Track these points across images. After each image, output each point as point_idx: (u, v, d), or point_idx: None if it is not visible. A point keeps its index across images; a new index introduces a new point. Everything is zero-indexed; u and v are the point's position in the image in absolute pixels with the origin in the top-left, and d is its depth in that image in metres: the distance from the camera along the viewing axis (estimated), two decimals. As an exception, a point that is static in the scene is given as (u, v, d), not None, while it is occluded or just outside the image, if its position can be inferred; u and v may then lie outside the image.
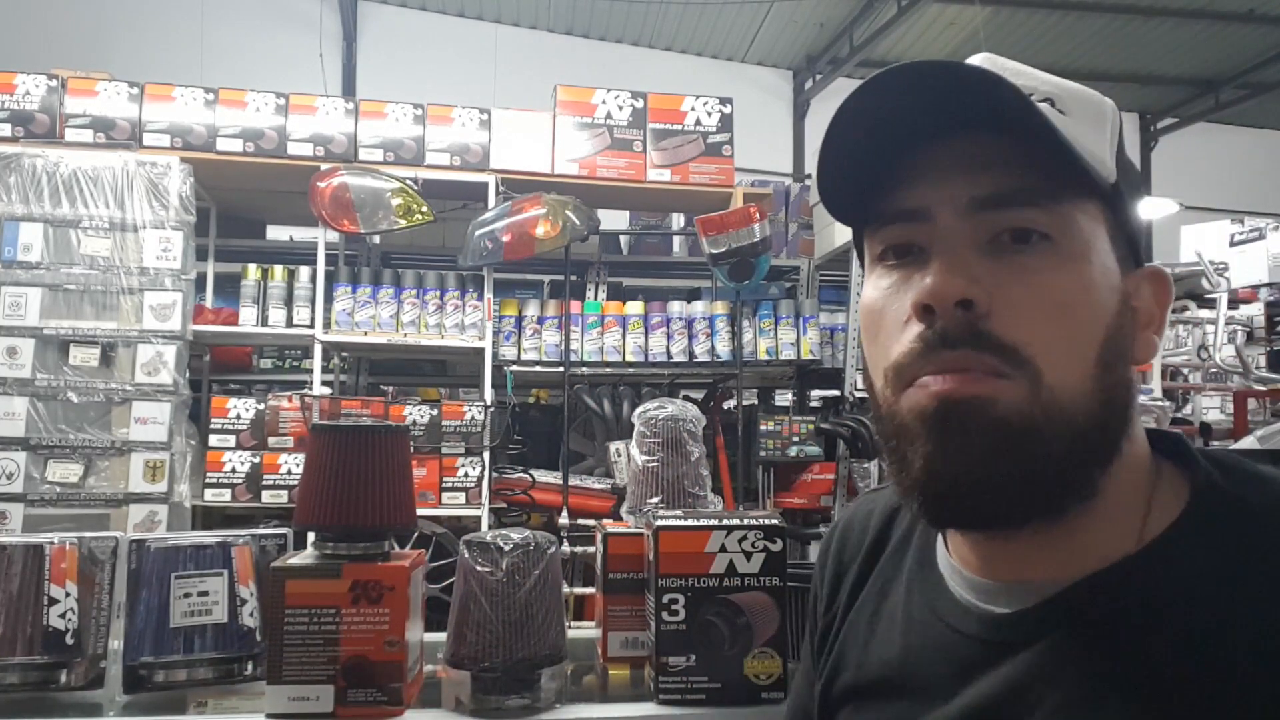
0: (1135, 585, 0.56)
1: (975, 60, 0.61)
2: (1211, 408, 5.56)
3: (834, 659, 0.74)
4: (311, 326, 3.49)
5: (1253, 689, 0.51)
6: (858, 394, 3.91)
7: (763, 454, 3.72)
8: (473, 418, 3.43)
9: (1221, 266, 4.63)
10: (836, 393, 4.07)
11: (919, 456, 0.58)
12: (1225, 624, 0.53)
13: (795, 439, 3.74)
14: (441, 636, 1.16)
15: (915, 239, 0.60)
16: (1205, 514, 0.58)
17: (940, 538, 0.69)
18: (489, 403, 3.46)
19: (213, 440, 3.34)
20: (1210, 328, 4.49)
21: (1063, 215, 0.57)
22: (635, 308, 3.73)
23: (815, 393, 4.52)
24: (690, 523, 1.15)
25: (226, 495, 3.30)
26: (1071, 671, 0.55)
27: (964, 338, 0.56)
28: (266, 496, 3.30)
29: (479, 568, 1.09)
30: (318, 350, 3.45)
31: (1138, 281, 0.62)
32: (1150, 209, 6.72)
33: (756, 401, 4.34)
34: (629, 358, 3.67)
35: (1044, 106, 0.57)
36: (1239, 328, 4.96)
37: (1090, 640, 0.56)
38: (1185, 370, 5.33)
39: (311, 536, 1.17)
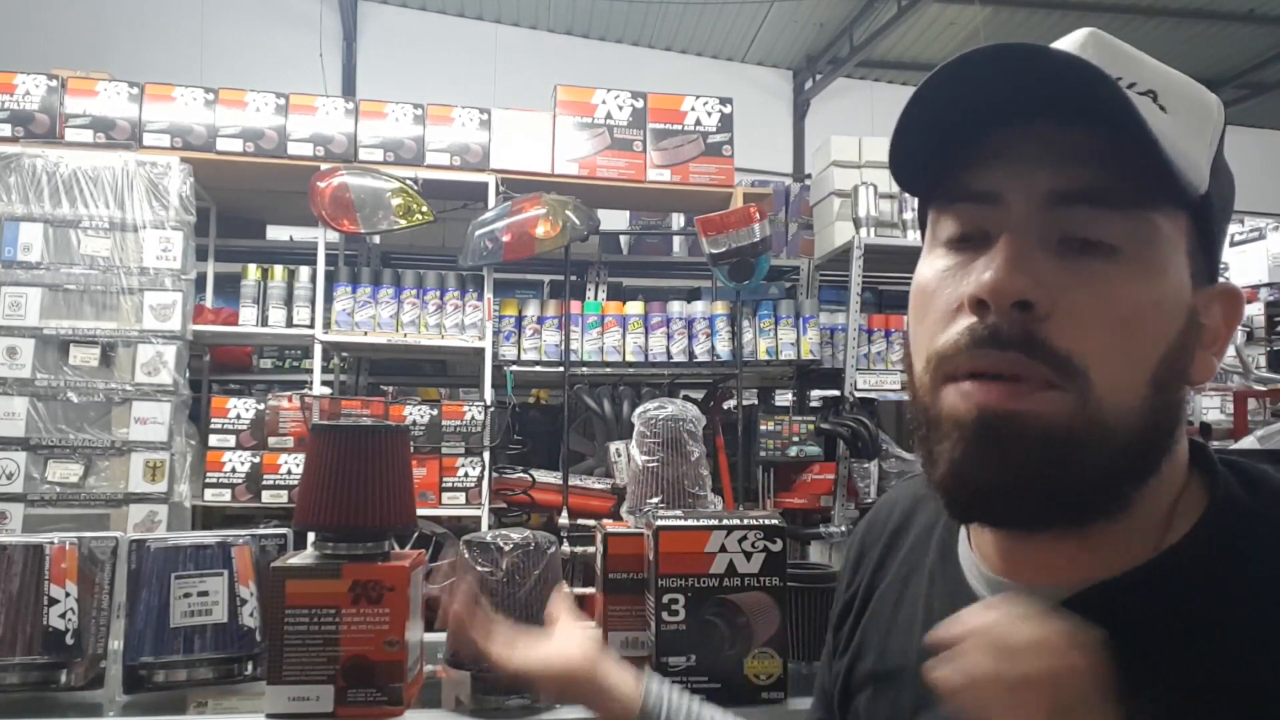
0: (1146, 593, 0.56)
1: (1081, 37, 0.58)
2: (1211, 408, 5.56)
3: (857, 643, 0.74)
4: (311, 326, 3.49)
5: (1256, 700, 0.51)
6: (858, 394, 3.91)
7: (763, 454, 3.72)
8: (473, 418, 3.43)
9: (1221, 266, 4.63)
10: (836, 393, 4.07)
11: (947, 459, 0.57)
12: (1234, 634, 0.53)
13: (795, 439, 3.74)
14: (441, 636, 1.16)
15: (983, 224, 0.57)
16: (1219, 525, 0.57)
17: (963, 529, 0.69)
18: (489, 403, 3.46)
19: (213, 440, 3.34)
20: (1210, 328, 4.49)
21: (1142, 222, 0.54)
22: (635, 308, 3.73)
23: (815, 393, 4.52)
24: (690, 523, 1.15)
25: (226, 495, 3.30)
26: None
27: (1016, 339, 0.54)
28: (266, 496, 3.30)
29: (479, 568, 1.09)
30: (318, 350, 3.45)
31: (1209, 298, 0.59)
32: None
33: (756, 401, 4.34)
34: (629, 358, 3.67)
35: (1143, 101, 0.54)
36: (1239, 328, 4.96)
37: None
38: (1185, 370, 5.32)
39: (311, 536, 1.17)
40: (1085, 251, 0.54)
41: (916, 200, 0.66)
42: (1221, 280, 0.60)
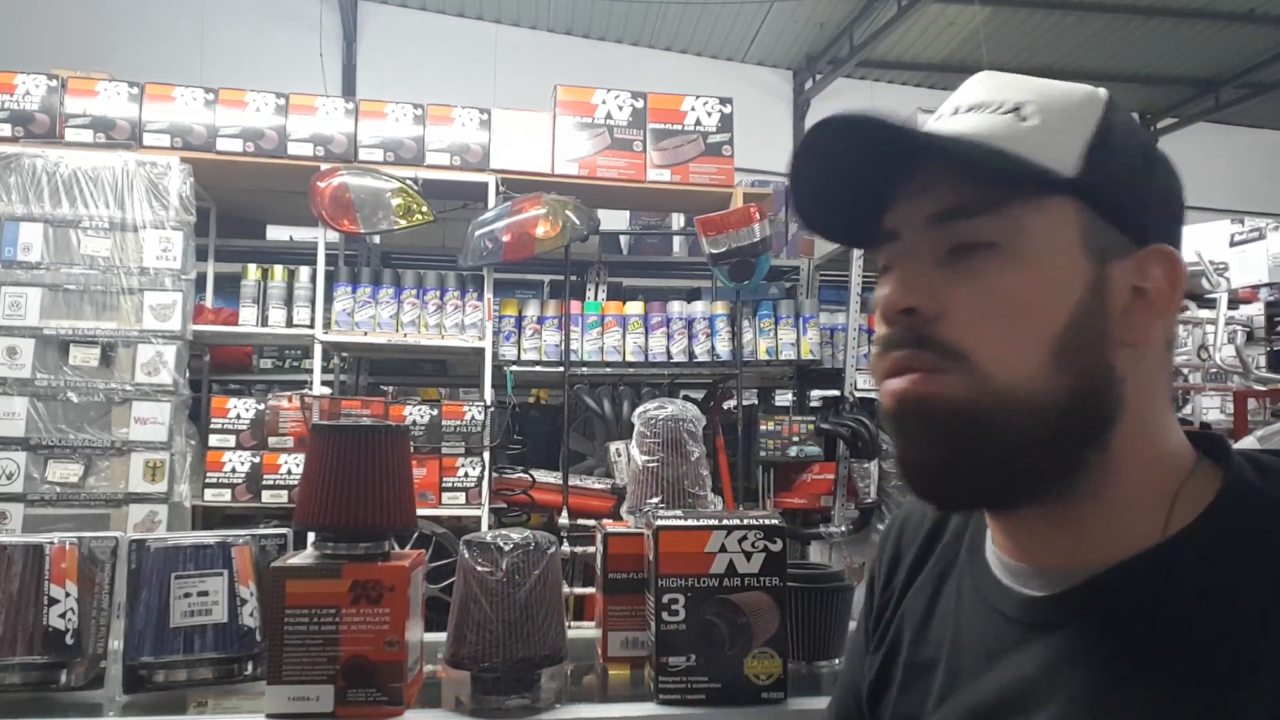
0: (1158, 574, 0.59)
1: (974, 82, 0.68)
2: (1211, 408, 5.55)
3: (892, 637, 0.78)
4: (311, 326, 3.49)
5: (1265, 681, 0.52)
6: (857, 394, 3.91)
7: (763, 454, 3.72)
8: (473, 418, 3.43)
9: (1221, 266, 4.63)
10: (836, 393, 4.07)
11: (896, 449, 0.66)
12: (1245, 615, 0.55)
13: (795, 439, 3.74)
14: (441, 636, 1.16)
15: (892, 255, 0.67)
16: (1232, 507, 0.60)
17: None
18: (489, 403, 3.46)
19: (213, 440, 3.34)
20: (1210, 328, 4.49)
21: (1010, 219, 0.61)
22: (635, 308, 3.73)
23: (815, 393, 4.52)
24: (690, 523, 1.15)
25: (226, 495, 3.30)
26: (1096, 656, 0.59)
27: (908, 340, 0.63)
28: (266, 496, 3.30)
29: (479, 568, 1.09)
30: (318, 350, 3.45)
31: (1138, 263, 0.63)
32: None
33: (756, 401, 4.35)
34: (629, 358, 3.67)
35: (998, 120, 0.63)
36: (1239, 328, 4.95)
37: (1114, 626, 0.59)
38: (1185, 370, 5.32)
39: (311, 536, 1.17)
40: (965, 257, 0.62)
41: None
42: (1154, 245, 0.64)
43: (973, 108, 0.66)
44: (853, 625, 0.95)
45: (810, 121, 9.43)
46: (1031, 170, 0.60)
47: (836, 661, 1.31)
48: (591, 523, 3.23)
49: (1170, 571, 0.58)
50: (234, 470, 3.31)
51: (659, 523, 1.14)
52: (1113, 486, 0.61)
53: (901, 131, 0.61)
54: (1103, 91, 0.66)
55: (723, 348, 3.72)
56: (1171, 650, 0.56)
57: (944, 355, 0.61)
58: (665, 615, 1.12)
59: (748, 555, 1.13)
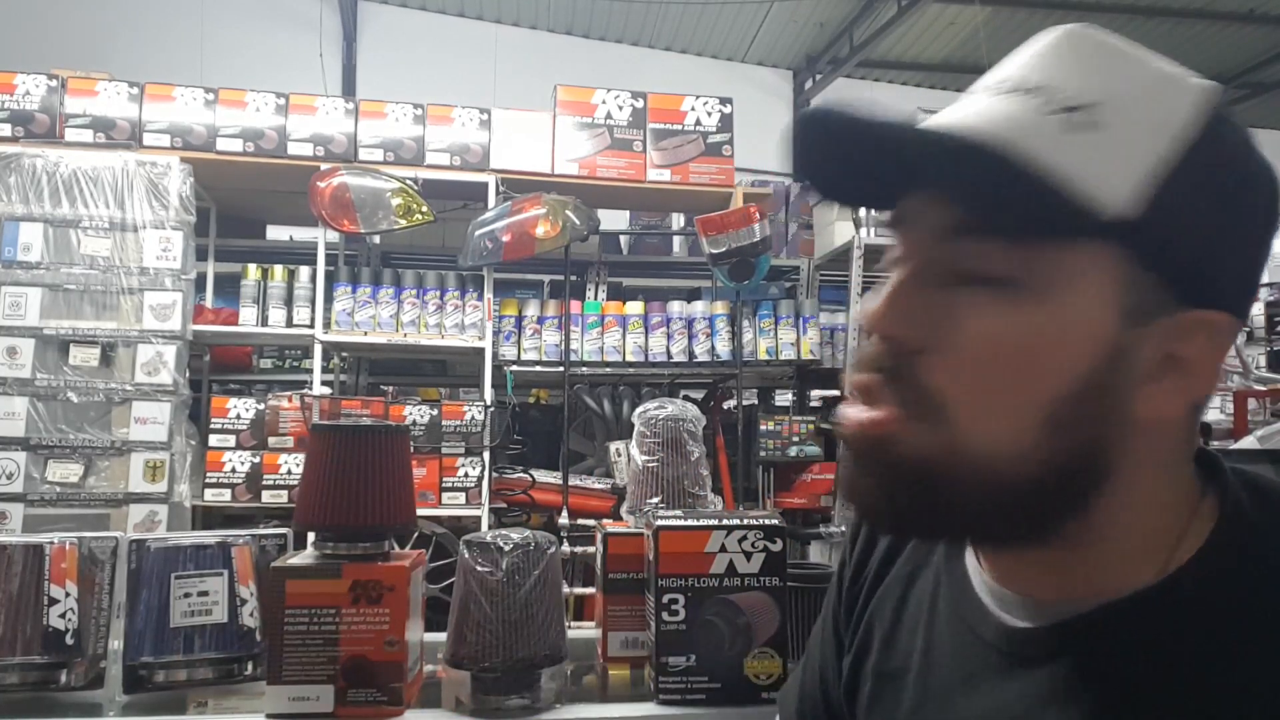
0: (1149, 616, 0.53)
1: (1055, 38, 0.54)
2: (1212, 408, 5.56)
3: (862, 636, 0.73)
4: (311, 326, 3.49)
5: None
6: (858, 394, 3.90)
7: (763, 454, 3.72)
8: (473, 418, 3.43)
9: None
10: (836, 393, 4.07)
11: (843, 472, 0.59)
12: (1237, 659, 0.50)
13: (795, 439, 3.74)
14: (441, 636, 1.16)
15: (893, 250, 0.58)
16: (1228, 545, 0.54)
17: None
18: (489, 403, 3.46)
19: (213, 440, 3.34)
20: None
21: (1030, 256, 0.51)
22: (635, 308, 3.73)
23: (815, 393, 4.52)
24: (690, 523, 1.15)
25: (226, 495, 3.30)
26: (1084, 696, 0.54)
27: (881, 366, 0.55)
28: (266, 496, 3.30)
29: (479, 568, 1.09)
30: (318, 350, 3.45)
31: (1184, 326, 0.52)
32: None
33: (756, 401, 4.34)
34: (629, 358, 3.67)
35: (1056, 120, 0.50)
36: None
37: (1102, 666, 0.54)
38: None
39: (311, 536, 1.17)
40: (971, 285, 0.52)
41: None
42: (1205, 310, 0.52)
43: (1018, 88, 0.52)
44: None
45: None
46: (1062, 204, 0.47)
47: (836, 661, 1.31)
48: (591, 523, 3.22)
49: (1161, 614, 0.53)
50: (234, 470, 3.31)
51: (659, 523, 1.14)
52: (1100, 534, 0.54)
53: (887, 142, 0.52)
54: (1213, 88, 0.52)
55: (723, 348, 3.72)
56: (1161, 695, 0.51)
57: (918, 398, 0.53)
58: (665, 615, 1.12)
59: (748, 555, 1.13)
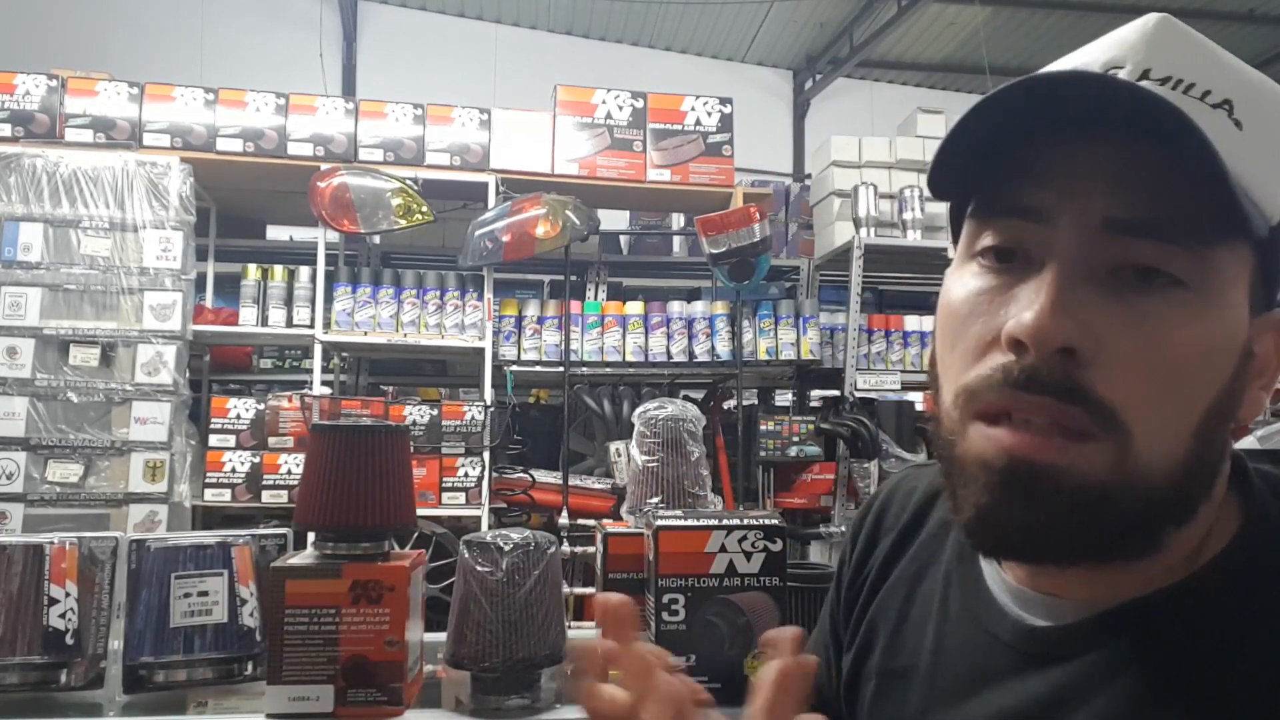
0: (1173, 615, 0.54)
1: (1151, 26, 0.51)
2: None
3: (864, 635, 0.72)
4: (311, 326, 3.49)
5: None
6: (858, 394, 3.91)
7: (763, 454, 3.72)
8: (473, 418, 3.43)
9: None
10: (836, 393, 4.07)
11: (972, 504, 0.53)
12: (1261, 660, 0.51)
13: (795, 439, 3.74)
14: (441, 636, 1.16)
15: (1027, 243, 0.52)
16: (1254, 546, 0.54)
17: None
18: (489, 403, 3.46)
19: (213, 440, 3.34)
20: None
21: (1204, 259, 0.49)
22: (635, 308, 3.73)
23: (815, 393, 4.52)
24: (690, 523, 1.15)
25: (226, 495, 3.30)
26: (1105, 693, 0.53)
27: (1054, 385, 0.49)
28: (266, 496, 3.30)
29: (479, 568, 1.09)
30: (318, 350, 3.45)
31: (1261, 328, 0.53)
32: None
33: (756, 401, 4.34)
34: (629, 358, 3.67)
35: (1216, 117, 0.49)
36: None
37: (1124, 665, 0.53)
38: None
39: (311, 536, 1.17)
40: (1138, 288, 0.50)
41: (949, 206, 0.61)
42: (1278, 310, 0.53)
43: (1167, 80, 0.49)
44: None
45: (810, 121, 9.45)
46: (1250, 210, 0.47)
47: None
48: (591, 523, 3.22)
49: (1190, 609, 0.53)
50: (234, 470, 3.31)
51: (659, 523, 1.14)
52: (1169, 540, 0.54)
53: (1167, 110, 0.46)
54: None
55: (723, 348, 3.72)
56: (1190, 687, 0.52)
57: (1097, 419, 0.49)
58: (665, 615, 1.12)
59: (748, 555, 1.13)
